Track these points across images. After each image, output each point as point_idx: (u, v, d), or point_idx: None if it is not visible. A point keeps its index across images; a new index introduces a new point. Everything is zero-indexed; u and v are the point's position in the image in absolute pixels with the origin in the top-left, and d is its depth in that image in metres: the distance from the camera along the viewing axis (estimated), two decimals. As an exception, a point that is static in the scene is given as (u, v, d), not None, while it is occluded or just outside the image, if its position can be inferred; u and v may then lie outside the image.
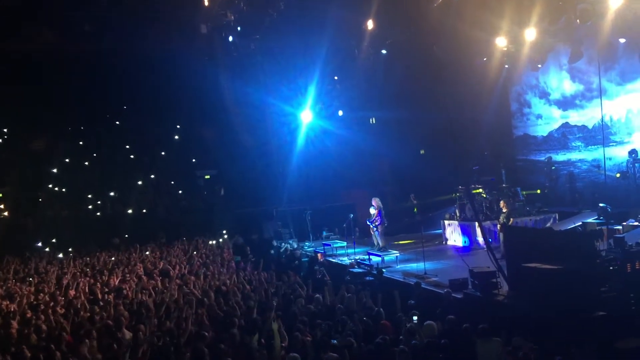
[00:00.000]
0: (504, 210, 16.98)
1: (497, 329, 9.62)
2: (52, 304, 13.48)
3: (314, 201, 25.06)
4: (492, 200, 19.48)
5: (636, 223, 15.05)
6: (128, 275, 17.09)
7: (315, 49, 22.38)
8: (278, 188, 26.07)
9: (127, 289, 14.93)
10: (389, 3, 18.79)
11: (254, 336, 10.22)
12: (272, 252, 21.71)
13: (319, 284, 14.92)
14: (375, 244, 19.48)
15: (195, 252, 21.22)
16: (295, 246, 22.56)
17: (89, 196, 30.17)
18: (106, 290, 15.17)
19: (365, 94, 25.42)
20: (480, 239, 18.19)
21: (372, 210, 19.61)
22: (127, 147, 31.31)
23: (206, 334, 10.37)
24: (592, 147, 21.34)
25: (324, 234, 23.46)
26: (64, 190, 30.16)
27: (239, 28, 20.27)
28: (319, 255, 19.61)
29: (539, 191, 21.52)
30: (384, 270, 16.05)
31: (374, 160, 27.03)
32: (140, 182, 31.20)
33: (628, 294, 9.80)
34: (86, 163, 30.73)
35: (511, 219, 16.72)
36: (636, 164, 18.70)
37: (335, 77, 25.29)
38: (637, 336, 9.11)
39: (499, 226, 16.80)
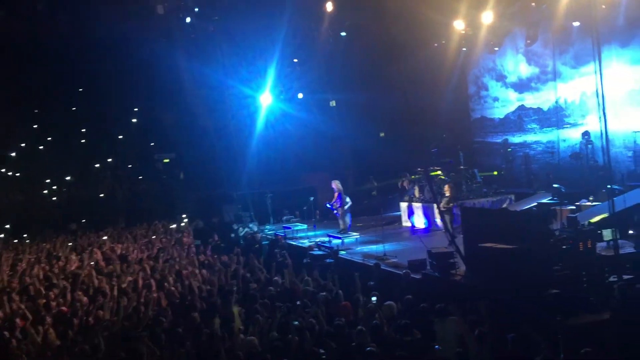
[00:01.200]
0: (447, 194, 17.03)
1: (455, 309, 9.79)
2: (7, 290, 13.22)
3: (275, 184, 25.01)
4: (451, 182, 19.71)
5: (588, 203, 15.45)
6: (85, 260, 16.84)
7: (274, 31, 22.24)
8: (238, 171, 25.90)
9: (84, 274, 14.71)
10: (348, -15, 18.76)
11: (215, 320, 10.21)
12: (232, 235, 21.63)
13: (279, 266, 14.93)
14: (341, 226, 19.52)
15: (154, 237, 21.03)
16: (256, 229, 22.52)
17: (46, 181, 29.55)
18: (62, 276, 14.92)
19: (325, 77, 25.39)
20: (438, 221, 18.42)
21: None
22: (84, 130, 30.67)
23: (164, 319, 10.31)
24: (547, 129, 21.75)
25: (285, 217, 23.47)
26: (18, 174, 29.45)
27: (196, 9, 19.98)
28: (279, 237, 19.61)
29: (495, 173, 21.85)
30: (341, 251, 16.18)
31: (334, 143, 27.06)
32: (97, 166, 30.66)
33: (580, 272, 10.07)
34: (41, 147, 30.01)
35: (451, 204, 16.70)
36: (589, 146, 19.14)
37: (295, 60, 25.18)
38: (588, 313, 9.38)
39: (436, 210, 16.94)
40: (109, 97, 28.16)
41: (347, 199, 19.58)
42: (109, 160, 31.12)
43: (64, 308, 11.41)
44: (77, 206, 28.74)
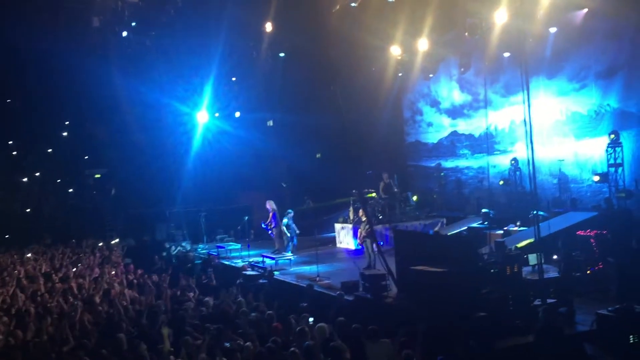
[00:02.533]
0: (363, 219, 16.80)
1: (386, 331, 9.86)
2: None
3: (210, 202, 24.73)
4: (385, 204, 19.97)
5: (515, 228, 15.92)
6: (7, 278, 16.12)
7: (212, 49, 22.11)
8: (172, 189, 25.50)
9: (5, 293, 14.08)
10: (287, 6, 18.89)
11: (142, 342, 9.93)
12: (164, 254, 21.20)
13: (210, 287, 14.73)
14: (276, 246, 19.36)
15: (82, 254, 20.38)
16: (189, 248, 22.16)
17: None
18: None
19: (263, 96, 25.40)
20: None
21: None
22: (10, 142, 29.55)
23: (87, 342, 9.95)
24: (478, 154, 22.37)
25: (219, 236, 23.20)
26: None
27: (133, 23, 19.67)
28: (212, 257, 19.34)
29: (415, 198, 21.76)
30: (275, 272, 16.09)
31: (271, 162, 27.02)
32: (25, 180, 29.55)
33: (507, 295, 10.33)
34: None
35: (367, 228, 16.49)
36: (517, 172, 19.81)
37: (233, 78, 25.10)
38: (514, 335, 9.63)
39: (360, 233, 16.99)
40: (38, 109, 27.27)
41: (290, 224, 19.32)
42: (37, 174, 30.04)
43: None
44: (1, 221, 27.58)
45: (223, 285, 15.79)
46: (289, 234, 19.08)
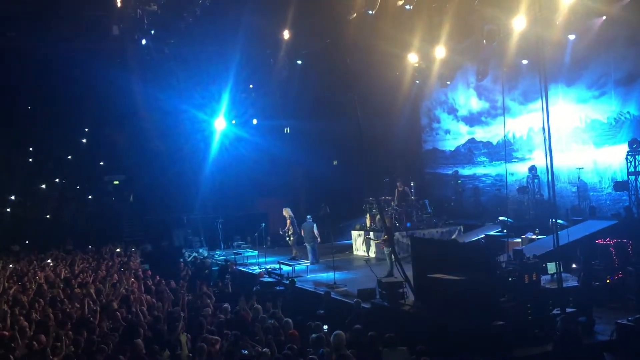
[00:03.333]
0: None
1: (403, 338, 9.84)
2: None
3: (227, 209, 24.85)
4: (402, 211, 19.91)
5: (534, 236, 15.81)
6: (27, 284, 16.30)
7: (229, 56, 22.25)
8: (190, 195, 25.67)
9: (26, 299, 14.23)
10: (305, 14, 18.95)
11: (162, 348, 10.00)
12: (181, 260, 21.31)
13: (226, 293, 14.78)
14: (294, 253, 19.32)
15: (101, 260, 20.54)
16: (206, 254, 22.27)
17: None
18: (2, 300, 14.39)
19: (280, 103, 25.51)
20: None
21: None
22: (30, 149, 29.90)
23: (105, 346, 10.03)
24: (496, 162, 22.27)
25: (236, 242, 23.28)
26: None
27: (152, 31, 19.85)
28: (230, 263, 19.36)
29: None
30: (295, 280, 16.10)
31: (288, 169, 27.13)
32: (44, 186, 29.85)
33: (525, 304, 10.26)
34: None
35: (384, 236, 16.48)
36: (535, 180, 19.68)
37: (251, 86, 25.23)
38: (532, 345, 9.56)
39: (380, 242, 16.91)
40: (58, 116, 27.60)
41: (315, 232, 19.24)
42: (56, 180, 30.35)
43: (5, 332, 10.99)
44: (21, 227, 27.87)
45: (240, 292, 15.86)
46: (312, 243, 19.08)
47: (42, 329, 11.17)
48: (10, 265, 20.04)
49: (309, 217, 19.64)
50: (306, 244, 19.17)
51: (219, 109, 24.75)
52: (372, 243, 19.38)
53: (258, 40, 21.39)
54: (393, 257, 14.62)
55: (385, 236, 15.91)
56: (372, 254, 19.75)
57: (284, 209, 19.88)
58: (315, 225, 19.17)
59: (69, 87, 25.37)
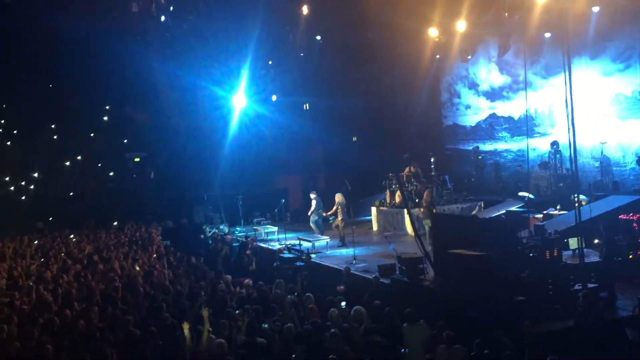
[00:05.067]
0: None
1: (423, 314, 9.87)
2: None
3: (247, 186, 24.91)
4: (421, 188, 19.83)
5: (555, 212, 15.68)
6: (52, 259, 16.59)
7: (248, 32, 22.17)
8: (210, 172, 25.77)
9: (50, 274, 14.49)
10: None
11: (183, 322, 10.13)
12: (202, 236, 21.51)
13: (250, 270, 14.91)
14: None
15: (123, 236, 20.80)
16: (226, 231, 22.43)
17: (8, 178, 28.98)
18: (28, 274, 14.67)
19: (299, 80, 25.40)
20: (408, 226, 18.53)
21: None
22: (53, 126, 30.17)
23: (130, 318, 10.20)
24: (518, 137, 22.06)
25: (256, 219, 23.40)
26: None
27: (171, 8, 19.84)
28: (250, 239, 19.47)
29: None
30: (312, 255, 16.18)
31: (307, 146, 27.09)
32: (67, 163, 30.16)
33: (546, 280, 10.21)
34: (8, 142, 29.44)
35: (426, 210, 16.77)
36: (557, 155, 19.46)
37: (270, 62, 25.13)
38: (553, 320, 9.52)
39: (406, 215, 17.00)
40: (80, 94, 27.78)
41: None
42: (79, 158, 30.64)
43: (27, 307, 11.22)
44: (45, 204, 28.27)
45: (260, 268, 16.01)
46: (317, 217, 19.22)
47: (67, 304, 11.38)
48: (35, 242, 20.40)
49: (314, 192, 19.81)
50: (313, 218, 19.31)
51: (238, 86, 24.70)
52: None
53: (277, 16, 21.27)
54: (414, 233, 14.61)
55: (423, 208, 16.26)
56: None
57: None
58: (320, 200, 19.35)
59: (90, 65, 25.48)
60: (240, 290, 12.56)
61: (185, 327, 9.16)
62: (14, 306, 11.36)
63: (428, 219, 15.72)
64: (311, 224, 19.41)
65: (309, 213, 19.47)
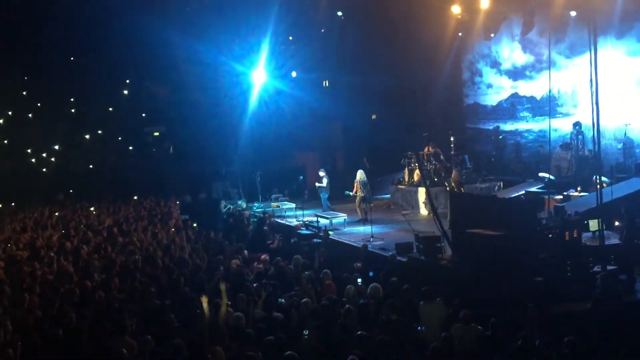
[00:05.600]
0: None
1: (440, 292, 9.88)
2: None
3: (266, 162, 24.95)
4: (441, 166, 19.75)
5: (576, 193, 15.53)
6: (72, 231, 16.80)
7: (269, 7, 22.03)
8: (229, 148, 25.81)
9: (70, 245, 14.69)
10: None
11: (202, 295, 10.25)
12: (218, 211, 21.65)
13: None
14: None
15: (142, 210, 21.00)
16: (244, 206, 22.54)
17: (30, 150, 29.31)
18: (49, 245, 14.89)
19: (319, 56, 25.24)
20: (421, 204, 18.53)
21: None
22: (73, 100, 30.38)
23: (149, 289, 10.34)
24: (539, 117, 21.80)
25: (274, 195, 23.47)
26: (5, 142, 29.19)
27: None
28: (268, 215, 19.53)
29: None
30: (330, 232, 16.21)
31: (326, 123, 27.00)
32: (87, 137, 30.40)
33: (565, 261, 10.15)
34: (30, 115, 29.72)
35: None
36: (579, 136, 19.21)
37: (290, 37, 24.99)
38: (570, 301, 9.48)
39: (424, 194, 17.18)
40: (100, 68, 27.90)
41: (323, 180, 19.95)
42: (99, 132, 30.88)
43: (50, 276, 11.41)
44: (65, 176, 28.58)
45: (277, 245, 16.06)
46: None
47: (87, 275, 11.55)
48: (56, 213, 20.67)
49: (321, 169, 20.39)
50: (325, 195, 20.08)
51: (257, 62, 24.61)
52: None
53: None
54: (432, 212, 14.57)
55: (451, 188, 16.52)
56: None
57: (358, 171, 19.36)
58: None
59: (111, 39, 25.55)
60: (258, 266, 12.65)
61: (204, 301, 9.25)
62: (35, 276, 11.56)
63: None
64: (323, 202, 19.78)
65: (317, 185, 20.02)
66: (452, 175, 17.51)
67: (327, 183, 20.09)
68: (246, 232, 17.83)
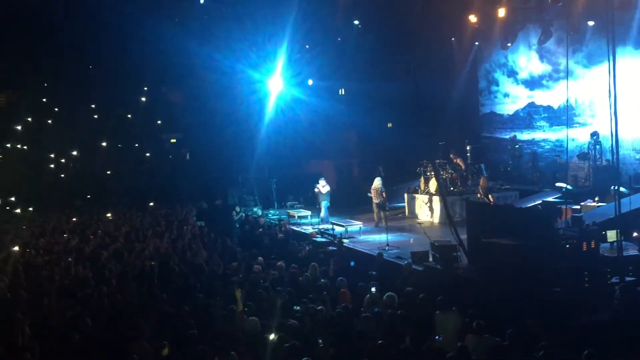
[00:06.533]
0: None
1: (456, 302, 9.82)
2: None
3: (281, 169, 25.02)
4: (456, 175, 19.69)
5: (593, 203, 15.42)
6: (91, 236, 16.94)
7: (286, 16, 22.14)
8: (246, 155, 25.91)
9: (88, 250, 14.81)
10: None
11: (217, 301, 10.30)
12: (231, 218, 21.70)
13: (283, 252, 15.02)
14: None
15: (158, 216, 21.12)
16: (260, 213, 22.60)
17: (51, 155, 29.62)
18: (66, 250, 15.02)
19: (335, 64, 25.30)
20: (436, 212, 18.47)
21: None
22: (93, 106, 30.68)
23: (164, 295, 10.39)
24: (556, 127, 21.68)
25: (289, 202, 23.51)
26: (25, 148, 29.51)
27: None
28: (283, 222, 19.59)
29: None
30: (345, 240, 16.20)
31: (342, 131, 27.04)
32: (104, 144, 30.66)
33: (582, 271, 10.07)
34: (49, 121, 30.05)
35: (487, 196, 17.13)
36: (597, 146, 19.08)
37: (307, 46, 25.07)
38: (588, 313, 9.39)
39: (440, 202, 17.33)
40: (119, 75, 28.16)
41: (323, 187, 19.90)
42: (116, 138, 31.13)
43: (67, 281, 11.50)
44: (83, 182, 28.83)
45: (292, 251, 16.07)
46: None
47: (104, 281, 11.63)
48: (74, 219, 20.84)
49: (322, 177, 20.37)
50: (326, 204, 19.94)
51: (274, 69, 24.71)
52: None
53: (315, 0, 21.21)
54: (448, 221, 14.52)
55: (480, 195, 17.03)
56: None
57: (376, 179, 19.55)
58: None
59: (129, 47, 25.78)
60: (274, 272, 12.67)
61: (238, 295, 9.32)
62: (53, 281, 11.66)
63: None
64: (324, 210, 19.74)
65: (317, 191, 19.99)
66: (481, 182, 17.61)
67: (327, 191, 20.04)
68: (261, 239, 17.86)
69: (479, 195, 17.50)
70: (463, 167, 19.81)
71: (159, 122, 31.06)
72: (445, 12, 20.41)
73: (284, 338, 8.15)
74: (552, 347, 7.76)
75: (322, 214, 19.82)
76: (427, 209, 19.76)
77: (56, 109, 29.89)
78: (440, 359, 7.63)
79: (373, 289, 10.87)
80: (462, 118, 25.05)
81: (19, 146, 29.24)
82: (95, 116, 30.53)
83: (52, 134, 29.64)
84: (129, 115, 30.84)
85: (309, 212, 20.76)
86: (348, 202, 21.94)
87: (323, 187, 19.99)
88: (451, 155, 19.88)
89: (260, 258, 14.28)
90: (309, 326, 9.31)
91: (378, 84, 24.74)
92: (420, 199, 20.24)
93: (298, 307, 9.84)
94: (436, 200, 19.03)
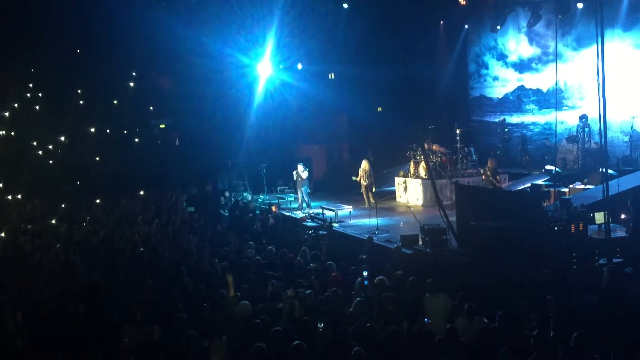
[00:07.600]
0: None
1: (445, 284, 9.88)
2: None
3: (271, 154, 24.96)
4: (446, 159, 19.72)
5: (582, 186, 15.51)
6: (79, 222, 16.86)
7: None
8: (235, 140, 25.81)
9: (78, 235, 14.75)
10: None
11: (207, 286, 10.30)
12: (220, 203, 21.70)
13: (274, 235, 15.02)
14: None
15: (148, 202, 21.04)
16: (250, 198, 22.57)
17: (36, 142, 29.33)
18: (56, 237, 14.94)
19: (325, 48, 25.16)
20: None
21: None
22: (79, 91, 30.36)
23: (153, 282, 10.38)
24: (546, 110, 21.75)
25: (279, 187, 23.49)
26: (12, 134, 29.22)
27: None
28: (273, 207, 19.63)
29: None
30: (335, 224, 16.23)
31: (332, 115, 26.95)
32: (92, 130, 30.37)
33: (571, 253, 10.14)
34: (36, 107, 29.72)
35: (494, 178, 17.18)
36: (585, 129, 19.17)
37: (296, 30, 24.91)
38: (576, 294, 9.47)
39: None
40: (106, 60, 27.85)
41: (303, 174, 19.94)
42: (104, 123, 30.84)
43: (56, 267, 11.47)
44: (71, 169, 28.59)
45: (283, 235, 16.09)
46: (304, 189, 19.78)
47: (94, 266, 11.61)
48: (62, 205, 20.72)
49: (300, 163, 20.45)
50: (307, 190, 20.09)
51: (263, 54, 24.56)
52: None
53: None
54: (438, 204, 14.56)
55: (485, 176, 17.03)
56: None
57: (363, 161, 19.66)
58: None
59: (116, 31, 25.50)
60: (263, 257, 12.68)
61: (229, 280, 9.33)
62: (42, 267, 11.62)
63: (491, 185, 15.98)
64: (305, 195, 19.80)
65: (296, 178, 20.06)
66: (488, 164, 17.57)
67: (306, 176, 20.11)
68: (252, 224, 17.86)
69: (483, 177, 17.45)
70: (444, 151, 19.77)
71: (151, 108, 30.78)
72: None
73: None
74: (541, 329, 7.82)
75: (305, 199, 19.86)
76: (417, 193, 19.80)
77: (42, 95, 29.51)
78: (429, 341, 7.68)
79: (365, 273, 10.90)
80: (452, 101, 25.05)
81: (3, 132, 28.94)
82: (81, 102, 30.19)
83: (39, 120, 29.32)
84: (116, 101, 30.53)
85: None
86: (338, 186, 21.96)
87: (302, 172, 19.97)
88: (426, 145, 19.74)
89: (251, 242, 14.30)
90: (298, 310, 9.34)
91: (368, 68, 24.63)
92: (411, 183, 20.27)
93: (289, 292, 9.85)
94: (427, 184, 19.06)
